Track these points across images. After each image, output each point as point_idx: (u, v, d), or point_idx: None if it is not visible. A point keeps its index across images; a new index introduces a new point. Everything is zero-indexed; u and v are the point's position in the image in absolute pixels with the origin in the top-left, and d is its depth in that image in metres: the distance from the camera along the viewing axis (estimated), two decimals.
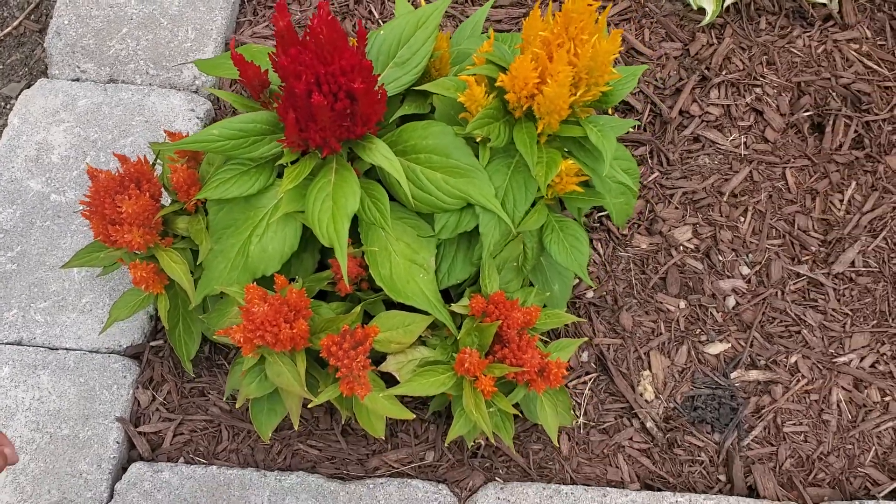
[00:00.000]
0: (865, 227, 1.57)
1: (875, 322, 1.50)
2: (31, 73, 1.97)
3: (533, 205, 1.25)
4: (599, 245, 1.57)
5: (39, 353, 1.47)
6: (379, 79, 1.25)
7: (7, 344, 1.48)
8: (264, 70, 1.21)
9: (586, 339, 1.45)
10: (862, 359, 1.47)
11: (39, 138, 1.66)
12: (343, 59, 1.09)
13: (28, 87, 1.93)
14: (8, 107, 1.93)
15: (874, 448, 1.41)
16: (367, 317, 1.32)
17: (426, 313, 1.25)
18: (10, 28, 2.03)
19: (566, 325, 1.48)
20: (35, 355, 1.46)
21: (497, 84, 1.15)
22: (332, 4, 1.81)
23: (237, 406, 1.27)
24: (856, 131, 1.65)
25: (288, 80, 1.12)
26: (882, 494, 1.37)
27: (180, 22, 1.78)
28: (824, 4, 1.77)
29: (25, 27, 2.02)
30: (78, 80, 1.75)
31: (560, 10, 1.12)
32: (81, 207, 1.57)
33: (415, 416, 1.25)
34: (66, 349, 1.47)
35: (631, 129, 1.66)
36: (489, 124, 1.16)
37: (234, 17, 1.84)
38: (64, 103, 1.70)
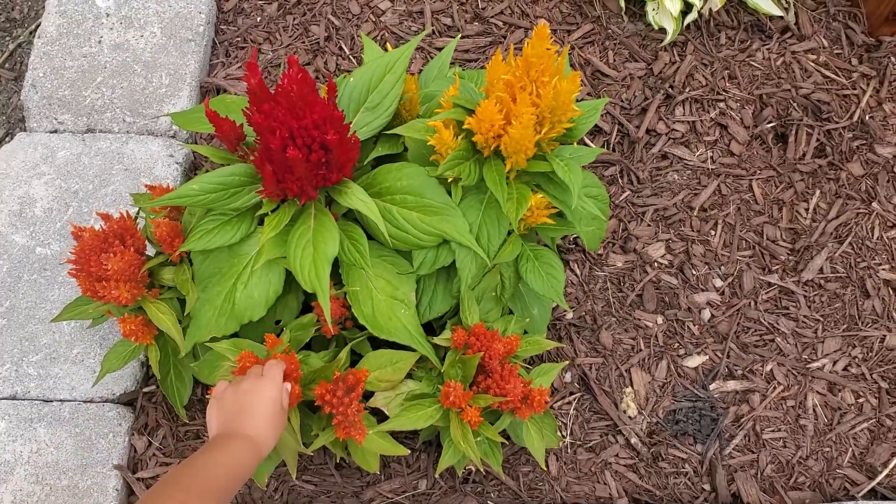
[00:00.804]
0: (831, 233, 1.62)
1: (845, 326, 1.55)
2: (8, 120, 2.00)
3: (508, 236, 1.30)
4: (576, 266, 1.61)
5: (34, 406, 1.49)
6: (351, 125, 1.28)
7: (2, 399, 1.50)
8: (239, 124, 1.25)
9: (567, 361, 1.49)
10: (834, 363, 1.52)
11: (21, 192, 1.69)
12: (315, 113, 1.13)
13: (6, 136, 1.96)
14: None
15: (851, 449, 1.46)
16: (355, 355, 1.35)
17: (411, 348, 1.29)
18: None
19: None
20: (30, 408, 1.49)
21: (465, 126, 1.19)
22: (303, 42, 1.85)
23: None
24: (818, 140, 1.70)
25: (263, 135, 1.15)
26: (861, 494, 1.42)
27: (154, 68, 1.81)
28: (781, 17, 1.82)
29: (0, 75, 2.04)
30: (56, 131, 1.77)
31: (521, 54, 1.16)
32: (66, 262, 1.60)
33: (409, 452, 1.28)
34: (61, 401, 1.50)
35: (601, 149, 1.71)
36: (459, 164, 1.20)
37: (207, 59, 1.87)
38: (43, 156, 1.73)
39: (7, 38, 2.12)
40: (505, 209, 1.18)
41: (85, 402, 1.50)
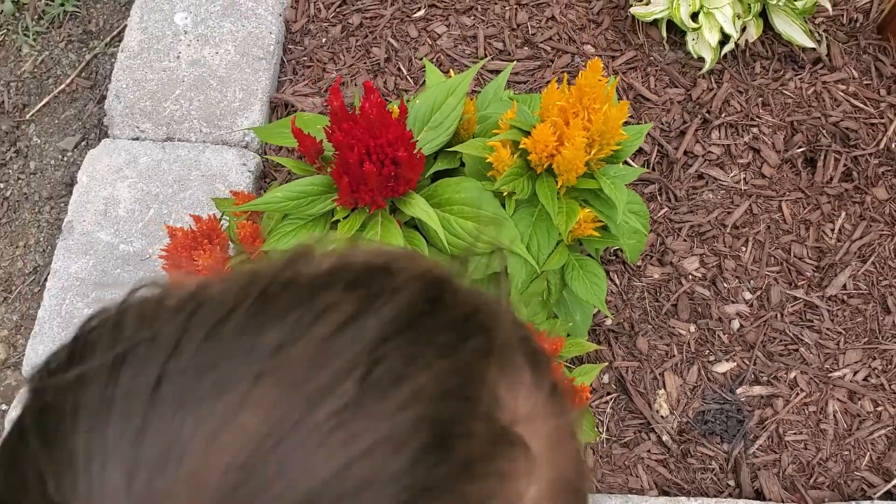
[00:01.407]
0: (855, 253, 1.73)
1: (866, 339, 1.66)
2: (84, 126, 2.17)
3: (556, 246, 1.43)
4: (616, 276, 1.74)
5: None
6: (417, 142, 1.43)
7: None
8: (320, 140, 1.40)
9: (606, 363, 1.61)
10: (855, 373, 1.64)
11: (106, 193, 1.85)
12: (389, 133, 1.27)
13: (82, 140, 2.13)
14: (64, 159, 2.13)
15: (869, 453, 1.57)
16: None
17: None
18: (63, 86, 2.23)
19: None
20: None
21: (521, 146, 1.33)
22: (365, 63, 2.00)
23: None
24: (845, 165, 1.82)
25: (342, 151, 1.30)
26: (877, 495, 1.53)
27: (228, 83, 1.97)
28: (814, 49, 1.94)
29: (77, 84, 2.22)
30: (138, 139, 1.94)
31: (574, 83, 1.29)
32: (148, 255, 1.76)
33: None
34: None
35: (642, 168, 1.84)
36: (515, 180, 1.34)
37: (276, 76, 2.03)
38: (126, 161, 1.89)
39: (84, 50, 2.29)
40: (556, 221, 1.32)
41: None
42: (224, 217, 1.56)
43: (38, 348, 1.70)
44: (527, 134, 1.34)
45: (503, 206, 1.40)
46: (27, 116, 2.20)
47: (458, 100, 1.45)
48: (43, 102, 2.22)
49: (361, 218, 1.40)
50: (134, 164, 1.88)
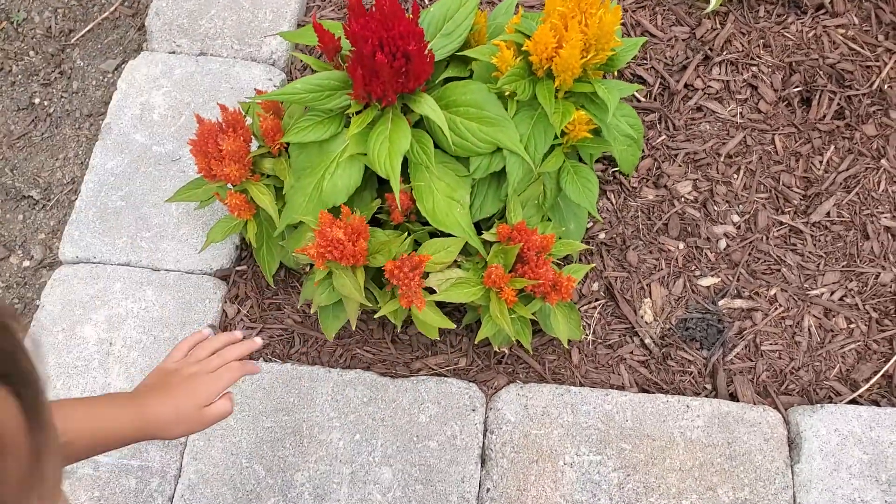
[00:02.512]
0: (841, 184, 1.83)
1: (845, 263, 1.76)
2: (125, 51, 2.30)
3: (552, 151, 1.54)
4: (612, 196, 1.85)
5: (145, 273, 1.79)
6: (429, 45, 1.54)
7: (119, 265, 1.80)
8: (338, 38, 1.52)
9: (594, 265, 1.73)
10: (832, 293, 1.73)
11: (143, 100, 1.99)
12: (401, 26, 1.39)
13: (122, 63, 2.27)
14: (105, 80, 2.26)
15: (838, 365, 1.67)
16: (416, 244, 1.62)
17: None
18: (107, 13, 2.36)
19: (580, 258, 1.77)
20: (141, 274, 1.79)
21: (523, 49, 1.44)
22: None
23: (312, 310, 1.58)
24: (838, 104, 1.91)
25: (357, 43, 1.42)
26: (843, 402, 1.63)
27: (260, 5, 2.10)
28: None
29: (120, 12, 2.35)
30: (174, 52, 2.07)
31: None
32: (179, 156, 1.90)
33: (454, 325, 1.54)
34: (167, 270, 1.79)
35: (644, 98, 1.94)
36: (516, 81, 1.45)
37: (305, 2, 2.15)
38: (163, 71, 2.03)
39: None
40: (552, 119, 1.43)
41: (187, 272, 1.79)
42: (248, 115, 1.69)
43: (74, 234, 1.84)
44: (529, 38, 1.45)
45: (505, 108, 1.52)
46: (72, 41, 2.33)
47: (470, 10, 1.57)
48: (87, 28, 2.35)
49: (373, 114, 1.53)
50: (169, 74, 2.02)
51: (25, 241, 2.07)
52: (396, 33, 1.39)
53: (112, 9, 2.36)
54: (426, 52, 1.47)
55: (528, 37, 1.45)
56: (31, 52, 2.34)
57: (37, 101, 2.27)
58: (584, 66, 1.43)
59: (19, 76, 2.31)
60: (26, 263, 2.04)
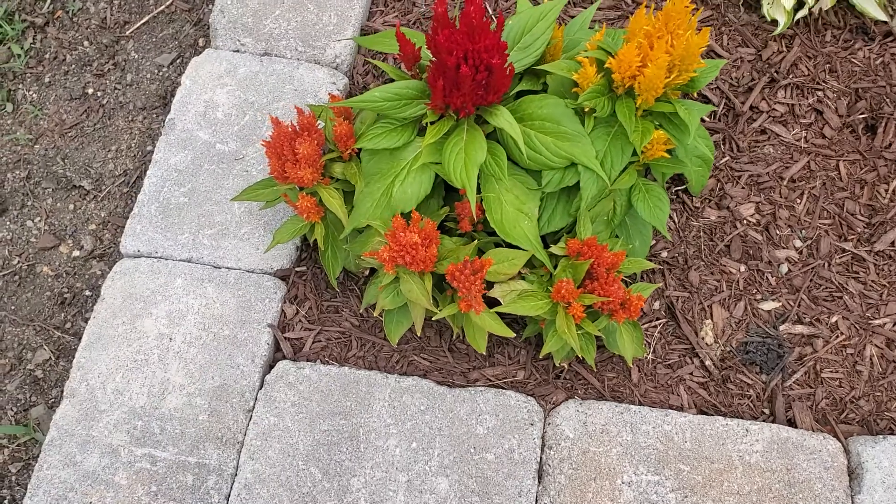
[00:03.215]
0: None
1: None
2: (180, 46, 2.31)
3: (626, 168, 1.54)
4: (675, 215, 1.84)
5: (206, 270, 1.80)
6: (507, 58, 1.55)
7: (180, 261, 1.81)
8: (418, 47, 1.52)
9: (660, 284, 1.72)
10: (895, 323, 1.72)
11: (207, 97, 2.00)
12: (487, 39, 1.40)
13: (177, 58, 2.28)
14: (160, 74, 2.28)
15: None
16: (481, 254, 1.62)
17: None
18: (162, 7, 2.37)
19: (642, 276, 1.76)
20: (202, 271, 1.79)
21: (605, 66, 1.44)
22: None
23: (375, 313, 1.59)
24: None
25: (441, 54, 1.42)
26: None
27: (325, 8, 2.11)
28: (886, 22, 2.02)
29: (176, 6, 2.36)
30: (238, 51, 2.08)
31: (661, 10, 1.40)
32: (242, 155, 1.90)
33: (514, 334, 1.54)
34: (228, 268, 1.80)
35: (708, 119, 1.94)
36: (597, 97, 1.45)
37: (368, 6, 2.16)
38: (227, 70, 2.03)
39: None
40: (631, 138, 1.43)
41: (248, 271, 1.79)
42: (319, 120, 1.69)
43: (136, 227, 1.85)
44: (612, 55, 1.45)
45: (583, 124, 1.52)
46: (127, 32, 2.34)
47: (548, 24, 1.57)
48: (143, 21, 2.36)
49: (449, 124, 1.53)
50: (233, 73, 2.03)
51: (76, 230, 2.08)
52: (482, 46, 1.39)
53: (168, 2, 2.38)
54: (507, 65, 1.47)
55: (611, 54, 1.45)
56: (86, 42, 2.36)
57: (90, 91, 2.28)
58: (666, 86, 1.43)
59: (73, 66, 2.33)
60: (76, 253, 2.06)
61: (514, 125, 1.50)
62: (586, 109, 1.48)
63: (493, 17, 2.08)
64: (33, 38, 2.38)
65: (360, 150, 1.62)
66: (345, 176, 1.61)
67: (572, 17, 2.06)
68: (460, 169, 1.48)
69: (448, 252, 1.55)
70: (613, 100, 1.47)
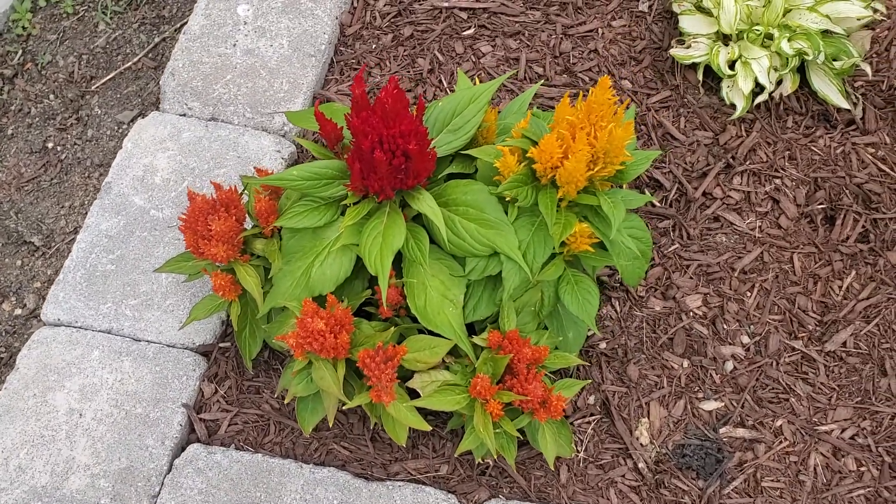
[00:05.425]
0: (860, 312, 1.73)
1: (859, 399, 1.65)
2: (143, 103, 2.28)
3: (552, 259, 1.47)
4: (617, 303, 1.76)
5: (125, 343, 1.73)
6: (433, 142, 1.49)
7: (100, 331, 1.74)
8: (340, 126, 1.47)
9: (590, 381, 1.64)
10: (843, 430, 1.63)
11: (147, 161, 1.95)
12: (402, 125, 1.34)
13: (140, 117, 2.24)
14: (120, 131, 2.24)
15: None
16: (402, 340, 1.54)
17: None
18: (130, 63, 2.35)
19: (578, 369, 1.68)
20: (121, 343, 1.73)
21: (528, 155, 1.38)
22: (409, 72, 2.08)
23: (286, 401, 1.51)
24: (863, 227, 1.82)
25: (357, 137, 1.37)
26: None
27: (277, 75, 2.07)
28: (849, 110, 1.95)
29: (143, 63, 2.33)
30: (185, 115, 2.04)
31: (585, 101, 1.34)
32: (176, 223, 1.85)
33: (431, 428, 1.45)
34: (148, 341, 1.73)
35: (658, 204, 1.87)
36: (518, 187, 1.39)
37: (323, 74, 2.12)
38: (171, 134, 1.99)
39: (155, 33, 2.41)
40: (551, 231, 1.36)
41: (168, 345, 1.72)
42: (245, 192, 1.64)
43: (59, 294, 1.79)
44: (535, 144, 1.39)
45: (506, 212, 1.45)
46: (93, 87, 2.32)
47: (480, 107, 1.51)
48: (109, 76, 2.34)
49: (369, 206, 1.47)
50: (177, 137, 1.98)
51: (21, 287, 2.02)
52: (397, 132, 1.34)
53: (136, 59, 2.35)
54: (428, 150, 1.42)
55: (535, 143, 1.39)
56: (52, 96, 2.33)
57: (50, 145, 2.24)
58: (591, 178, 1.37)
59: (37, 118, 2.30)
60: (18, 311, 2.00)
61: (437, 210, 1.43)
62: (507, 198, 1.42)
63: (434, 93, 2.04)
64: (0, 90, 2.35)
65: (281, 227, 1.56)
66: (265, 253, 1.55)
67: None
68: (375, 254, 1.42)
69: (365, 338, 1.48)
70: (537, 189, 1.41)
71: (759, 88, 1.92)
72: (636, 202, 1.51)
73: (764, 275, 1.79)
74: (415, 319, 1.53)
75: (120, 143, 2.19)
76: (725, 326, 1.73)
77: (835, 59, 1.92)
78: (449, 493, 1.56)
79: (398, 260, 1.48)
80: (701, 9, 2.01)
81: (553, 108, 1.99)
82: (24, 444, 1.62)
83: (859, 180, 1.87)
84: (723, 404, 1.66)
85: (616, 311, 1.75)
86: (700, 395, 1.67)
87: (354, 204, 1.46)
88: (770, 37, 1.92)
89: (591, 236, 1.42)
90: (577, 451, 1.62)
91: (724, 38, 1.99)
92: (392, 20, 2.17)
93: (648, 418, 1.64)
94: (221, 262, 1.51)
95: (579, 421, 1.65)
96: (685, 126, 1.97)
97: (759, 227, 1.84)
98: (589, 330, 1.67)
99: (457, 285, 1.50)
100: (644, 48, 2.08)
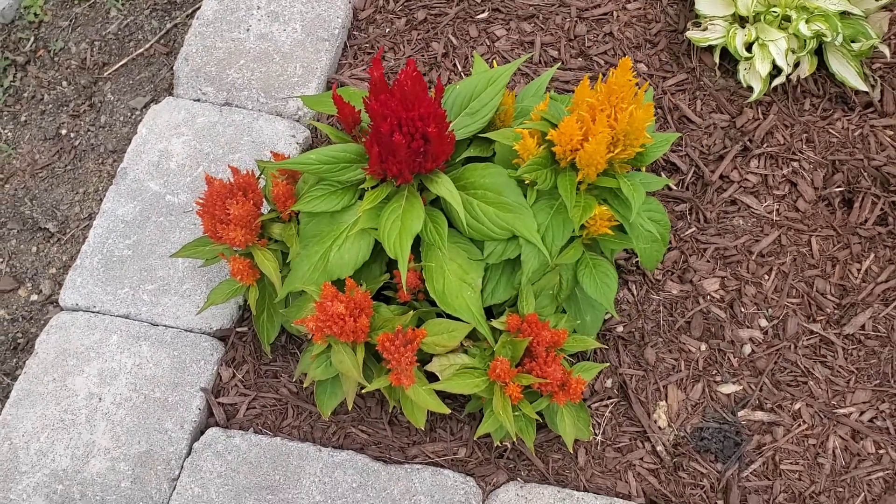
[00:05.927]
0: (879, 295, 1.72)
1: (878, 381, 1.65)
2: (155, 89, 2.28)
3: (571, 242, 1.47)
4: (634, 287, 1.76)
5: (143, 327, 1.73)
6: (451, 125, 1.48)
7: (118, 316, 1.75)
8: (357, 110, 1.46)
9: (608, 364, 1.63)
10: (861, 413, 1.62)
11: (162, 147, 1.95)
12: (422, 107, 1.33)
13: (153, 102, 2.24)
14: (133, 117, 2.24)
15: (864, 494, 1.56)
16: (421, 323, 1.54)
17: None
18: (142, 49, 2.34)
19: (595, 352, 1.68)
20: (139, 328, 1.73)
21: (547, 138, 1.37)
22: (423, 55, 2.07)
23: (304, 385, 1.51)
24: (882, 209, 1.81)
25: (376, 120, 1.36)
26: None
27: (290, 59, 2.06)
28: (867, 92, 1.94)
29: (155, 49, 2.33)
30: (199, 100, 2.04)
31: (605, 82, 1.34)
32: (192, 208, 1.85)
33: (450, 411, 1.45)
34: (166, 326, 1.74)
35: (674, 187, 1.86)
36: (537, 170, 1.38)
37: (337, 59, 2.11)
38: (185, 119, 1.99)
39: (166, 18, 2.40)
40: (571, 214, 1.36)
41: (186, 330, 1.73)
42: (262, 177, 1.64)
43: (77, 280, 1.80)
44: (555, 126, 1.38)
45: (525, 195, 1.45)
46: (105, 74, 2.31)
47: (498, 90, 1.51)
48: (121, 63, 2.33)
49: (388, 190, 1.46)
50: (191, 122, 1.98)
51: (36, 273, 2.03)
52: (416, 114, 1.33)
53: (147, 45, 2.34)
54: (447, 133, 1.41)
55: (554, 125, 1.38)
56: (64, 83, 2.33)
57: (64, 132, 2.24)
58: (611, 161, 1.36)
59: (50, 105, 2.30)
60: (34, 297, 2.00)
61: (455, 194, 1.43)
62: (526, 181, 1.41)
63: (449, 77, 2.03)
64: (13, 77, 2.35)
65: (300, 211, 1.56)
66: (283, 237, 1.55)
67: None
68: (395, 238, 1.41)
69: (384, 322, 1.48)
70: (556, 172, 1.40)
71: (776, 71, 1.90)
72: (654, 185, 1.51)
73: (782, 258, 1.78)
74: (433, 303, 1.53)
75: (133, 129, 2.19)
76: (743, 310, 1.73)
77: (853, 41, 1.90)
78: (467, 476, 1.56)
79: (416, 244, 1.48)
80: None
81: (569, 91, 1.98)
82: (44, 428, 1.63)
83: (878, 163, 1.86)
84: (741, 387, 1.65)
85: (633, 294, 1.75)
86: (718, 378, 1.67)
87: (372, 188, 1.46)
88: (787, 18, 1.90)
89: (610, 219, 1.42)
90: (595, 434, 1.62)
91: (741, 20, 1.98)
92: (405, 4, 2.16)
93: (666, 401, 1.64)
94: (239, 247, 1.51)
95: (597, 404, 1.65)
96: (701, 109, 1.96)
97: (777, 210, 1.83)
98: (606, 313, 1.67)
99: (475, 269, 1.50)
100: (659, 31, 2.07)
